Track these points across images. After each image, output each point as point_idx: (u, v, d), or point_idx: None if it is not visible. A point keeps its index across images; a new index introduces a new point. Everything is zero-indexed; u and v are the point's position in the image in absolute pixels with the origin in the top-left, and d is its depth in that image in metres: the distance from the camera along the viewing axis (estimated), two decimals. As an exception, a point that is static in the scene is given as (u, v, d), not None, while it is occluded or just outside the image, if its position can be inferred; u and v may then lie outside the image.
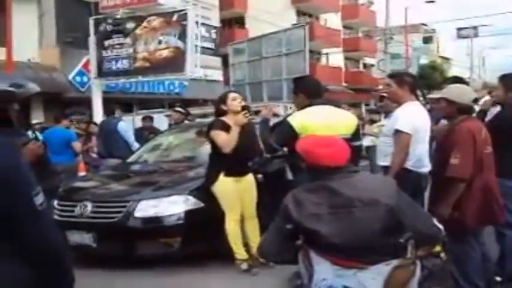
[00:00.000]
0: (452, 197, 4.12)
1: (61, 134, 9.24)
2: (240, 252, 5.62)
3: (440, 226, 3.06)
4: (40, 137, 9.86)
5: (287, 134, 4.60)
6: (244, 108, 5.57)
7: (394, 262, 2.72)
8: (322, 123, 4.52)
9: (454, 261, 4.17)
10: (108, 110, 11.48)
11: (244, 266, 5.56)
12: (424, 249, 2.90)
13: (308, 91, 4.97)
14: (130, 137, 9.55)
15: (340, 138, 3.32)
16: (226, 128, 5.55)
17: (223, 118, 5.68)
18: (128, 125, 10.52)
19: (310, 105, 4.80)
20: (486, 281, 4.37)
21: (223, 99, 5.79)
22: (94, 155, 10.54)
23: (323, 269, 2.76)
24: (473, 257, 4.29)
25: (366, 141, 10.99)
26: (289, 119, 4.78)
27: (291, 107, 9.48)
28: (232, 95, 5.82)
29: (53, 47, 18.87)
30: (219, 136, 5.53)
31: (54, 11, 18.91)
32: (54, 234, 1.85)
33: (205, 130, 5.91)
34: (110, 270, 5.73)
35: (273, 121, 5.60)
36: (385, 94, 7.41)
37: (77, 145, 9.49)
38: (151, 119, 12.31)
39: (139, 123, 13.19)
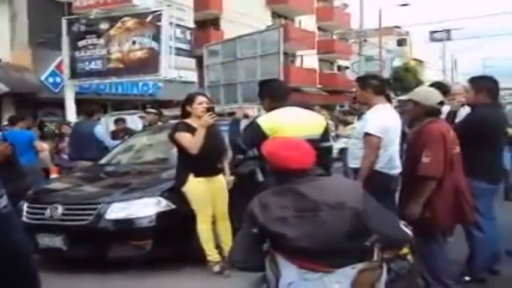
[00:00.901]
0: (423, 196, 4.19)
1: (20, 135, 9.05)
2: (212, 254, 5.62)
3: (408, 230, 3.07)
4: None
5: (255, 134, 4.60)
6: (209, 109, 5.58)
7: (360, 265, 2.72)
8: (290, 124, 4.53)
9: (422, 260, 4.21)
10: (82, 111, 11.35)
11: (217, 268, 5.56)
12: (391, 252, 2.90)
13: (272, 94, 4.96)
14: (108, 140, 9.56)
15: (304, 140, 3.30)
16: (191, 130, 5.57)
17: (187, 120, 5.72)
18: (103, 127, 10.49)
19: (276, 108, 4.81)
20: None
21: (190, 100, 5.80)
22: (66, 157, 10.42)
23: (289, 272, 2.75)
24: (441, 256, 4.35)
25: (339, 143, 11.08)
26: (258, 119, 4.78)
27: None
28: (199, 98, 5.81)
29: (25, 48, 18.62)
30: (184, 138, 5.55)
31: (26, 12, 18.65)
32: (18, 237, 1.83)
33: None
34: (81, 273, 5.69)
35: (244, 122, 5.60)
36: (357, 96, 7.47)
37: (38, 144, 9.36)
38: (123, 120, 12.22)
39: (112, 125, 13.07)
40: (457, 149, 4.37)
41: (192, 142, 5.49)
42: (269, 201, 2.82)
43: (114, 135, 11.20)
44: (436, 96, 4.53)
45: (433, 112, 4.43)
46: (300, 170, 2.87)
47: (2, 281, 1.78)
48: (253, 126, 4.74)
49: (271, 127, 4.55)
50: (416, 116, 4.58)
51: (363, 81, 5.16)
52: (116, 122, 12.17)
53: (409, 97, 4.62)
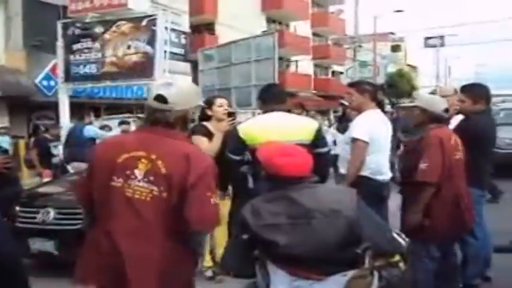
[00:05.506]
0: (421, 203, 4.17)
1: None
2: (205, 259, 5.59)
3: (401, 240, 3.03)
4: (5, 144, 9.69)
5: (236, 142, 4.47)
6: (230, 114, 5.45)
7: (351, 273, 2.69)
8: (268, 129, 4.34)
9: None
10: (76, 114, 11.41)
11: (209, 273, 5.55)
12: (382, 260, 2.87)
13: (264, 98, 4.78)
14: (100, 133, 10.07)
15: (299, 146, 3.25)
16: (208, 134, 5.44)
17: (206, 123, 5.58)
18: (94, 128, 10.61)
19: (267, 112, 4.70)
20: None
21: (209, 103, 5.64)
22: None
23: (279, 279, 2.71)
24: (426, 269, 4.31)
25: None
26: (238, 126, 4.68)
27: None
28: (219, 100, 5.69)
29: (20, 50, 18.57)
30: (201, 142, 5.43)
31: (21, 14, 18.62)
32: (6, 245, 1.82)
33: None
34: (72, 278, 5.64)
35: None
36: (344, 102, 7.45)
37: None
38: (128, 123, 12.25)
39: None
40: (458, 155, 4.36)
41: (209, 147, 5.27)
42: (261, 207, 2.76)
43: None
44: (442, 103, 4.54)
45: (438, 119, 4.43)
46: (296, 177, 2.82)
47: None
48: (233, 133, 4.65)
49: (247, 133, 4.41)
50: (421, 123, 4.56)
51: (361, 86, 5.11)
52: (120, 124, 12.13)
53: (415, 104, 4.61)
